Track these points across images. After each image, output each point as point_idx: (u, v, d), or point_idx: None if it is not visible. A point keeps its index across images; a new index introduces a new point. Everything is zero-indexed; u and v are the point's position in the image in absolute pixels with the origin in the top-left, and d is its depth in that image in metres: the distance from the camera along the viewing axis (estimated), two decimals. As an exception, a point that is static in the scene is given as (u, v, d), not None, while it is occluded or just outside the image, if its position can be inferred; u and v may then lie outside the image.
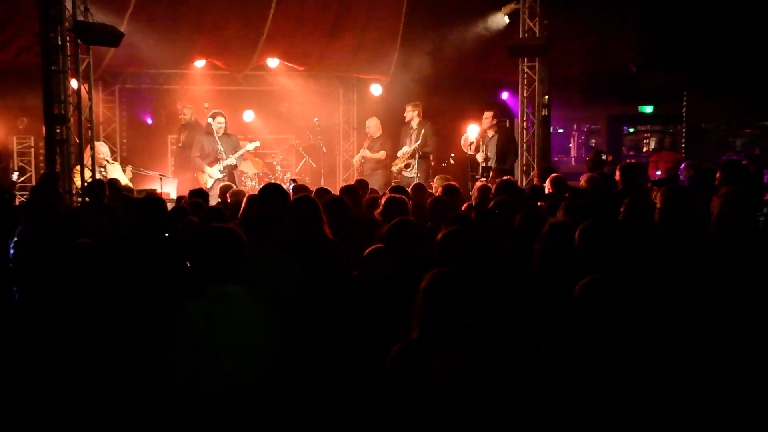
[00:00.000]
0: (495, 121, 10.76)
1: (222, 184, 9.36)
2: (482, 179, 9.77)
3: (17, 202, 9.64)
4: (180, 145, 11.82)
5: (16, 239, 3.61)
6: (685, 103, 13.02)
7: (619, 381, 2.84)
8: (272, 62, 12.45)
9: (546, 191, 7.40)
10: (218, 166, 10.61)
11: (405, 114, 11.09)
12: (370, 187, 7.87)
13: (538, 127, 10.51)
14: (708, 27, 11.05)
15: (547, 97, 10.47)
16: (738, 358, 3.24)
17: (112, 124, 13.28)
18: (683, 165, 9.08)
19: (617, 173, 7.10)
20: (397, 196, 5.71)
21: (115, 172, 10.35)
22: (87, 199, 7.95)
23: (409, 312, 2.98)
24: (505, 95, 13.37)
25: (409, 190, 7.49)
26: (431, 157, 11.30)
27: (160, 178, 11.08)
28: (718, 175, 5.85)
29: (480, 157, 10.77)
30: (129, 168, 11.34)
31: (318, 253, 4.28)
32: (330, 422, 3.37)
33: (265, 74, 13.25)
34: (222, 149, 10.53)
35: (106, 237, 4.83)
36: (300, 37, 11.88)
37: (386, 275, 3.92)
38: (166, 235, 5.03)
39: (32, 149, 12.53)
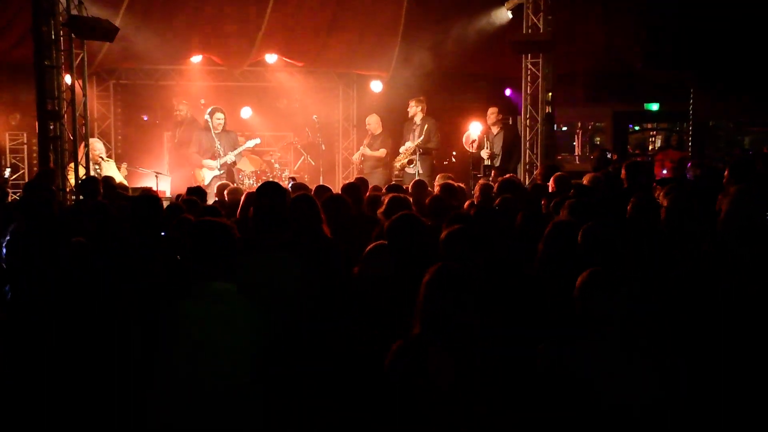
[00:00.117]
0: (500, 117, 10.72)
1: (220, 182, 9.25)
2: (484, 177, 9.66)
3: (9, 200, 9.48)
4: (176, 142, 11.68)
5: (9, 237, 3.55)
6: (691, 101, 12.94)
7: (618, 381, 2.82)
8: (270, 58, 12.38)
9: (549, 190, 7.26)
10: (216, 163, 10.50)
11: (408, 109, 11.01)
12: (371, 185, 7.78)
13: (541, 125, 10.41)
14: (715, 23, 10.95)
15: (550, 93, 10.36)
16: (738, 358, 3.25)
17: (107, 120, 13.20)
18: (689, 164, 8.95)
19: (622, 172, 6.97)
20: (401, 195, 5.73)
21: (110, 169, 10.27)
22: (81, 196, 7.82)
23: (410, 311, 2.97)
24: (507, 92, 13.25)
25: (410, 187, 7.40)
26: (434, 153, 11.23)
27: (156, 176, 10.95)
28: (726, 173, 5.82)
29: (485, 153, 10.72)
30: (124, 165, 11.26)
31: (317, 252, 4.25)
32: (330, 422, 3.37)
33: (263, 70, 13.17)
34: (220, 146, 10.42)
35: (101, 235, 4.78)
36: (299, 33, 11.81)
37: (387, 274, 3.90)
38: (162, 234, 5.00)
39: (25, 146, 12.48)
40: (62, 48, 8.83)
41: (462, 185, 7.81)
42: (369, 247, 4.18)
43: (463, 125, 11.72)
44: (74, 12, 8.76)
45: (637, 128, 14.80)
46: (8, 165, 12.24)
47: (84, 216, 5.12)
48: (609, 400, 2.82)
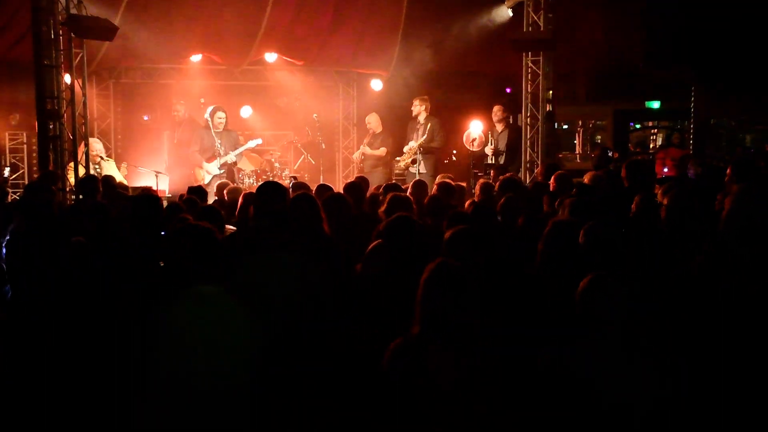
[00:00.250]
0: (505, 116, 10.68)
1: (219, 181, 9.22)
2: (485, 176, 9.65)
3: (9, 199, 9.47)
4: (175, 141, 11.65)
5: (8, 237, 3.53)
6: (693, 99, 12.92)
7: (618, 381, 2.82)
8: (270, 57, 12.35)
9: (550, 188, 7.24)
10: (216, 163, 10.47)
11: (412, 108, 10.98)
12: (371, 184, 7.77)
13: (542, 123, 10.38)
14: (716, 22, 10.94)
15: (551, 92, 10.34)
16: (738, 358, 3.25)
17: (107, 119, 13.16)
18: (690, 162, 8.92)
19: (623, 170, 6.94)
20: (401, 194, 5.69)
21: (110, 169, 10.25)
22: (80, 195, 7.80)
23: (410, 311, 2.98)
24: (508, 90, 13.22)
25: (410, 186, 7.38)
26: (438, 152, 11.19)
27: (156, 175, 10.92)
28: (728, 172, 5.80)
29: (489, 150, 10.71)
30: (124, 165, 11.22)
31: (317, 252, 4.22)
32: (330, 422, 3.34)
33: (263, 69, 13.14)
34: (220, 145, 10.38)
35: (101, 235, 4.75)
36: (299, 31, 11.79)
37: (386, 273, 3.91)
38: (162, 233, 4.93)
39: (24, 146, 12.45)
40: (61, 47, 8.81)
41: (462, 184, 7.78)
42: (370, 246, 4.18)
43: (463, 124, 11.69)
44: (73, 11, 8.73)
45: (638, 126, 14.79)
46: (8, 164, 12.22)
47: (84, 216, 5.10)
48: (609, 400, 2.81)
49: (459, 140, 11.68)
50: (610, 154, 9.41)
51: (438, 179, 7.98)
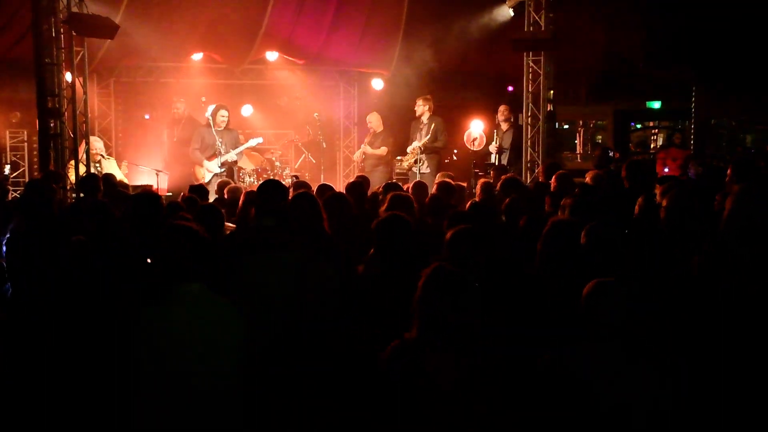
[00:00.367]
0: (510, 115, 10.77)
1: (220, 179, 9.22)
2: (486, 176, 9.65)
3: (9, 198, 9.47)
4: (175, 140, 11.63)
5: (9, 235, 3.52)
6: (693, 99, 12.91)
7: (618, 381, 2.81)
8: (271, 56, 12.35)
9: (551, 188, 7.24)
10: (217, 161, 10.46)
11: (416, 108, 10.98)
12: (372, 183, 7.76)
13: (543, 123, 10.38)
14: (717, 22, 10.93)
15: (552, 91, 10.33)
16: (738, 358, 3.23)
17: (107, 118, 13.15)
18: (690, 162, 8.93)
19: (623, 171, 6.94)
20: (402, 193, 5.63)
21: (111, 167, 10.24)
22: (81, 194, 7.80)
23: (409, 311, 2.97)
24: (510, 89, 13.22)
25: (410, 187, 7.38)
26: (442, 152, 11.20)
27: (157, 174, 10.92)
28: (728, 172, 5.78)
29: (493, 148, 10.73)
30: (124, 163, 11.21)
31: (317, 251, 4.20)
32: (330, 422, 3.34)
33: (264, 68, 13.14)
34: (221, 144, 10.37)
35: (101, 234, 4.72)
36: (300, 30, 11.78)
37: (382, 272, 3.91)
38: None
39: (25, 143, 12.45)
40: (62, 45, 8.82)
41: (462, 184, 7.78)
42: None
43: (464, 123, 11.70)
44: (74, 9, 8.73)
45: (638, 126, 14.77)
46: (8, 162, 12.22)
47: (84, 215, 5.09)
48: (609, 401, 2.80)
49: (460, 140, 11.68)
50: (611, 154, 9.41)
51: (438, 178, 7.98)
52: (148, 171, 11.18)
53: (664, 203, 4.82)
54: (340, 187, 9.73)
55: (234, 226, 5.65)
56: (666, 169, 11.30)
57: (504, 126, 10.84)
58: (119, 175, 9.97)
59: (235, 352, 3.10)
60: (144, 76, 13.05)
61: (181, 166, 11.17)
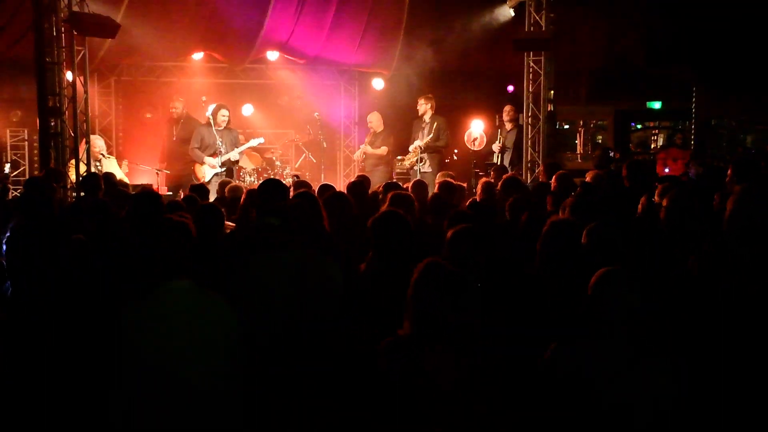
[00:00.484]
0: (515, 115, 10.78)
1: (220, 179, 9.22)
2: (486, 176, 9.66)
3: (9, 196, 9.47)
4: (174, 139, 11.59)
5: (8, 234, 3.52)
6: (694, 99, 12.90)
7: (619, 381, 2.80)
8: (272, 55, 12.34)
9: (551, 188, 7.24)
10: (217, 160, 10.45)
11: (418, 107, 10.97)
12: (372, 183, 7.76)
13: (543, 123, 10.38)
14: (718, 22, 10.92)
15: (552, 91, 10.33)
16: (738, 358, 3.22)
17: (108, 117, 13.15)
18: (691, 162, 8.93)
19: (623, 170, 6.95)
20: (402, 192, 5.63)
21: (111, 166, 10.22)
22: (82, 193, 7.81)
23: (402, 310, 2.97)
24: (510, 89, 13.21)
25: (410, 187, 7.38)
26: (444, 151, 11.21)
27: (157, 173, 10.92)
28: (729, 172, 5.79)
29: (496, 147, 10.76)
30: (125, 162, 11.20)
31: (318, 250, 4.14)
32: (330, 422, 3.33)
33: (265, 67, 13.15)
34: (221, 143, 10.36)
35: (101, 234, 4.74)
36: (301, 30, 11.77)
37: (379, 270, 3.89)
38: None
39: (26, 142, 12.43)
40: (63, 45, 8.82)
41: (462, 184, 7.78)
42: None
43: (464, 123, 11.70)
44: (75, 8, 8.73)
45: (639, 126, 14.75)
46: (8, 161, 12.21)
47: (84, 214, 5.09)
48: (609, 400, 2.80)
49: (460, 140, 11.68)
50: (611, 154, 9.41)
51: (438, 178, 7.99)
52: (149, 170, 11.18)
53: (664, 203, 4.83)
54: (340, 186, 9.73)
55: (234, 225, 5.65)
56: (667, 170, 11.30)
57: (508, 126, 10.88)
58: (120, 174, 9.96)
59: (229, 348, 3.08)
60: (145, 75, 13.06)
61: (180, 165, 11.15)
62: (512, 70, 11.60)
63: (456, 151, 12.87)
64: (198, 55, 12.38)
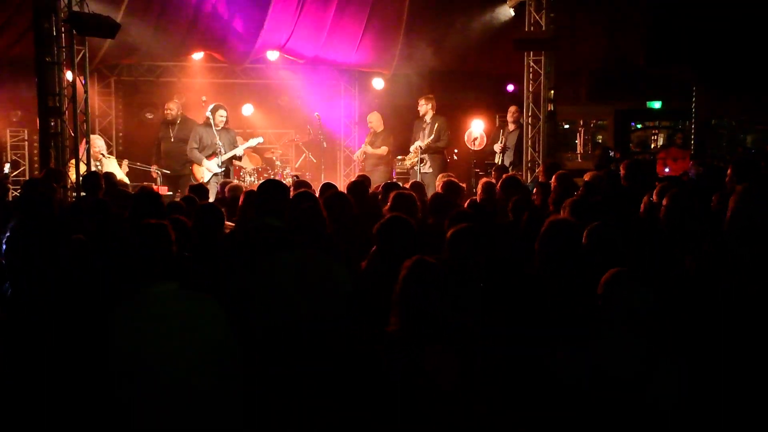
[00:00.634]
0: (519, 116, 10.80)
1: (219, 179, 9.21)
2: (487, 176, 9.67)
3: (9, 196, 9.46)
4: (172, 140, 11.53)
5: (8, 234, 3.51)
6: (694, 99, 12.90)
7: (619, 381, 2.82)
8: (272, 55, 12.33)
9: (551, 188, 7.24)
10: (216, 161, 10.44)
11: (419, 108, 10.98)
12: (373, 183, 7.76)
13: (543, 123, 10.38)
14: (718, 22, 10.92)
15: (552, 91, 10.34)
16: (738, 358, 3.24)
17: (108, 117, 13.14)
18: (690, 162, 8.93)
19: (622, 170, 6.95)
20: (405, 191, 5.65)
21: (111, 166, 10.20)
22: (82, 192, 7.80)
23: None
24: (510, 89, 13.21)
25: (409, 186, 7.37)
26: (445, 151, 11.20)
27: (157, 174, 10.90)
28: (728, 172, 5.79)
29: (497, 147, 10.77)
30: (125, 162, 11.17)
31: (317, 251, 4.13)
32: (330, 422, 3.32)
33: (265, 67, 13.13)
34: (221, 143, 10.36)
35: (101, 234, 4.72)
36: (301, 29, 11.76)
37: (383, 272, 3.87)
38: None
39: (26, 142, 12.43)
40: (63, 44, 8.79)
41: (462, 185, 7.78)
42: (374, 248, 4.17)
43: (464, 123, 11.69)
44: (75, 8, 8.71)
45: (639, 126, 14.74)
46: (8, 161, 12.20)
47: (84, 214, 5.09)
48: (610, 400, 2.80)
49: (460, 139, 11.68)
50: (611, 154, 9.42)
51: (440, 177, 7.99)
52: (149, 170, 11.16)
53: (663, 203, 4.83)
54: (341, 186, 9.72)
55: (234, 225, 5.65)
56: (667, 169, 11.30)
57: (511, 126, 10.90)
58: (120, 174, 9.95)
59: (222, 348, 3.08)
60: (145, 75, 13.06)
61: (179, 165, 11.12)
62: (512, 70, 11.61)
63: (456, 151, 12.87)
64: (198, 55, 12.37)
